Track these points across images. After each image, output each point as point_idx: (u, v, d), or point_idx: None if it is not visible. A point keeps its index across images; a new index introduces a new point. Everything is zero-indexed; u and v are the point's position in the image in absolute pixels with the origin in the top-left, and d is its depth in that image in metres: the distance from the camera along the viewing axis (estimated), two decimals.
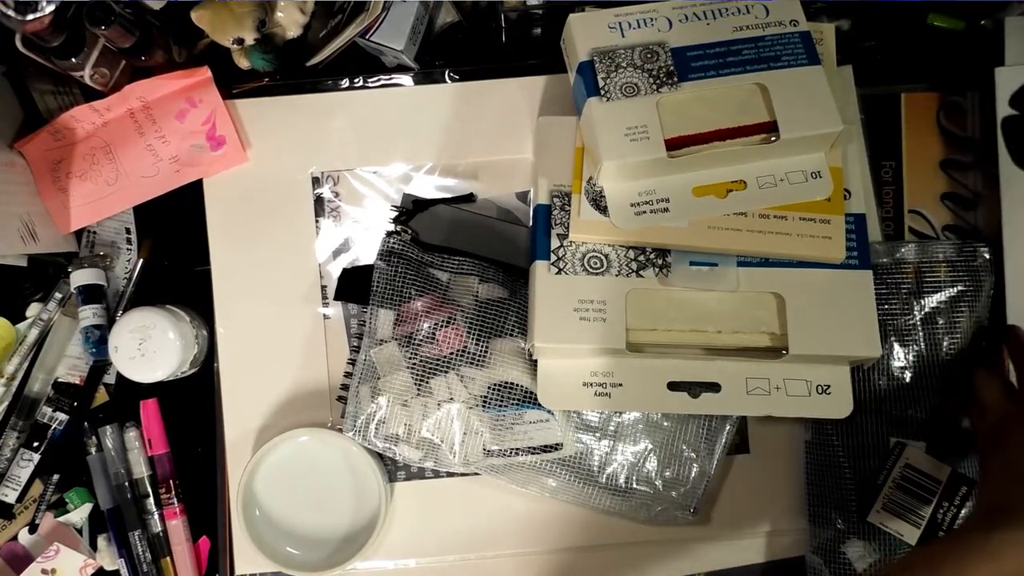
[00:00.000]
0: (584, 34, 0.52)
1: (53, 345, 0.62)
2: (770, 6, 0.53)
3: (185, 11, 0.54)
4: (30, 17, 0.49)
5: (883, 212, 0.60)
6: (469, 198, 0.61)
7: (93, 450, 0.62)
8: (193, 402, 0.62)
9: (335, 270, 0.61)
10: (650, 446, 0.56)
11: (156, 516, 0.61)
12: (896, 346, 0.56)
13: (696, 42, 0.52)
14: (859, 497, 0.56)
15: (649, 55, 0.51)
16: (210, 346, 0.62)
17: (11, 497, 0.61)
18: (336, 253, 0.61)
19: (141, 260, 0.63)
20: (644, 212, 0.51)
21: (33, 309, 0.63)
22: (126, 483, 0.62)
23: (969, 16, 0.61)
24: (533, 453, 0.55)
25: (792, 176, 0.52)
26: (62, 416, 0.62)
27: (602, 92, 0.50)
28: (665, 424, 0.56)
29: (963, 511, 0.56)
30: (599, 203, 0.52)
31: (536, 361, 0.54)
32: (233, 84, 0.61)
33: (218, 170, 0.61)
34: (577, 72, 0.52)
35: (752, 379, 0.53)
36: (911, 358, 0.56)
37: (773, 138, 0.50)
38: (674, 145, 0.50)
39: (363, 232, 0.61)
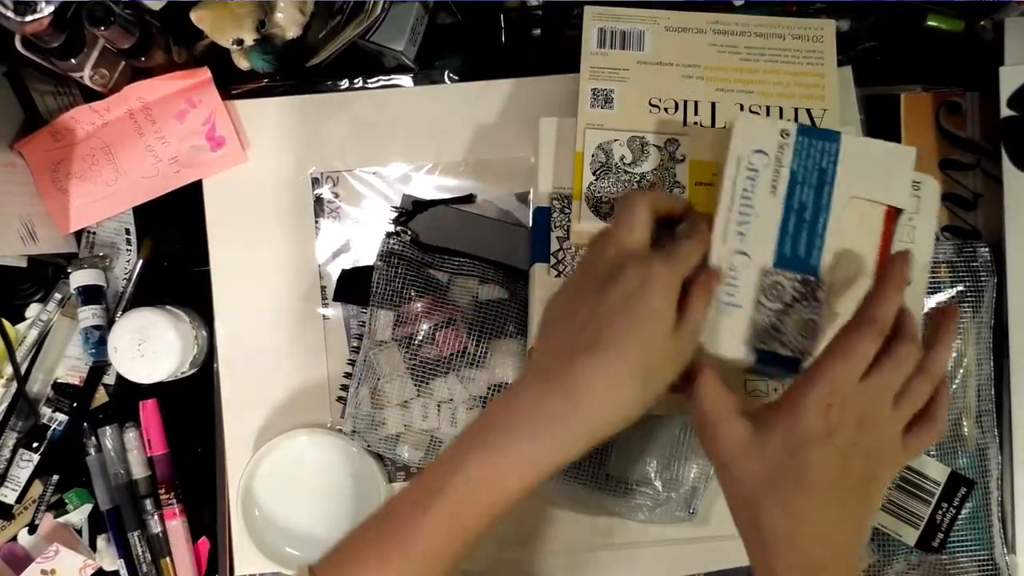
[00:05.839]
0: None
1: (53, 346, 0.62)
2: None
3: (185, 11, 0.54)
4: (29, 18, 0.49)
5: None
6: (469, 199, 0.60)
7: (92, 451, 0.62)
8: (193, 402, 0.62)
9: (335, 271, 0.61)
10: (650, 447, 0.56)
11: (156, 517, 0.61)
12: None
13: None
14: None
15: None
16: (210, 346, 0.62)
17: (11, 498, 0.61)
18: (336, 254, 0.61)
19: (141, 261, 0.62)
20: None
21: (33, 310, 0.63)
22: (125, 484, 0.62)
23: (968, 17, 0.61)
24: None
25: None
26: (61, 417, 0.62)
27: None
28: (664, 425, 0.56)
29: (963, 512, 0.56)
30: (599, 209, 0.52)
31: None
32: (233, 85, 0.61)
33: (218, 170, 0.61)
34: None
35: (751, 380, 0.53)
36: None
37: None
38: None
39: (363, 233, 0.61)
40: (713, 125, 0.54)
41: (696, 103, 0.55)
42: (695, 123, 0.54)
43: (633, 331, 0.41)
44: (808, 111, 0.54)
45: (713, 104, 0.54)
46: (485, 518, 0.41)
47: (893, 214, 0.47)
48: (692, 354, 0.44)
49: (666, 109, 0.54)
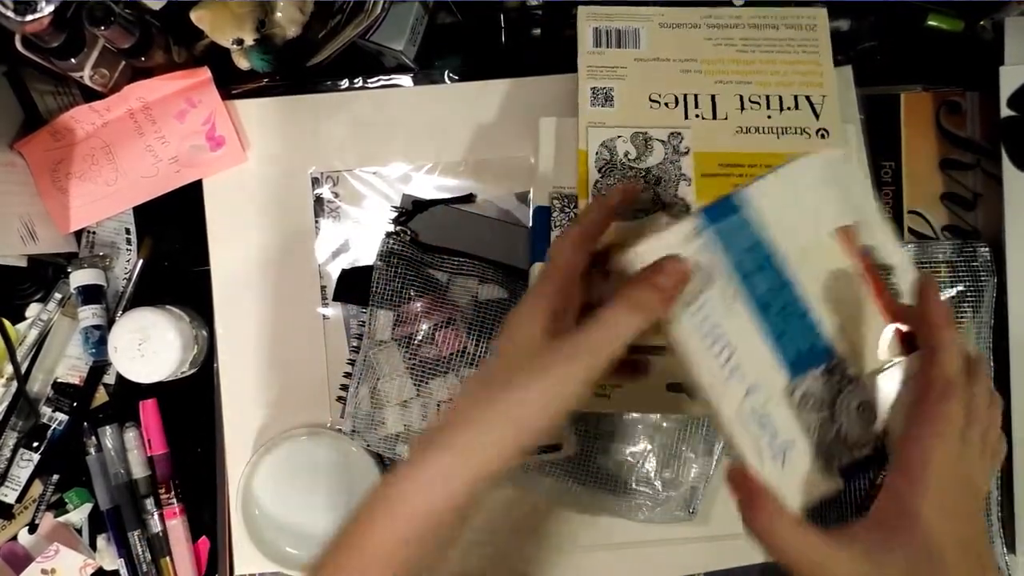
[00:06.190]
0: None
1: (53, 345, 0.62)
2: None
3: (185, 11, 0.54)
4: (29, 18, 0.49)
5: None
6: (469, 199, 0.61)
7: (93, 450, 0.62)
8: (193, 402, 0.62)
9: (335, 270, 0.61)
10: (649, 447, 0.56)
11: (156, 516, 0.61)
12: None
13: None
14: (856, 496, 0.56)
15: None
16: (210, 346, 0.62)
17: (11, 497, 0.61)
18: (336, 253, 0.61)
19: (141, 260, 0.62)
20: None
21: (33, 309, 0.63)
22: (125, 483, 0.62)
23: (968, 17, 0.61)
24: (532, 454, 0.55)
25: None
26: (62, 416, 0.62)
27: None
28: (664, 425, 0.56)
29: None
30: None
31: None
32: (233, 84, 0.61)
33: (217, 170, 0.61)
34: None
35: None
36: None
37: None
38: None
39: (363, 233, 0.61)
40: (715, 117, 0.54)
41: (696, 96, 0.55)
42: (697, 116, 0.54)
43: (505, 333, 0.41)
44: (807, 98, 0.55)
45: (713, 96, 0.55)
46: (419, 529, 0.40)
47: (846, 231, 0.40)
48: (608, 350, 0.39)
49: (667, 104, 0.55)
